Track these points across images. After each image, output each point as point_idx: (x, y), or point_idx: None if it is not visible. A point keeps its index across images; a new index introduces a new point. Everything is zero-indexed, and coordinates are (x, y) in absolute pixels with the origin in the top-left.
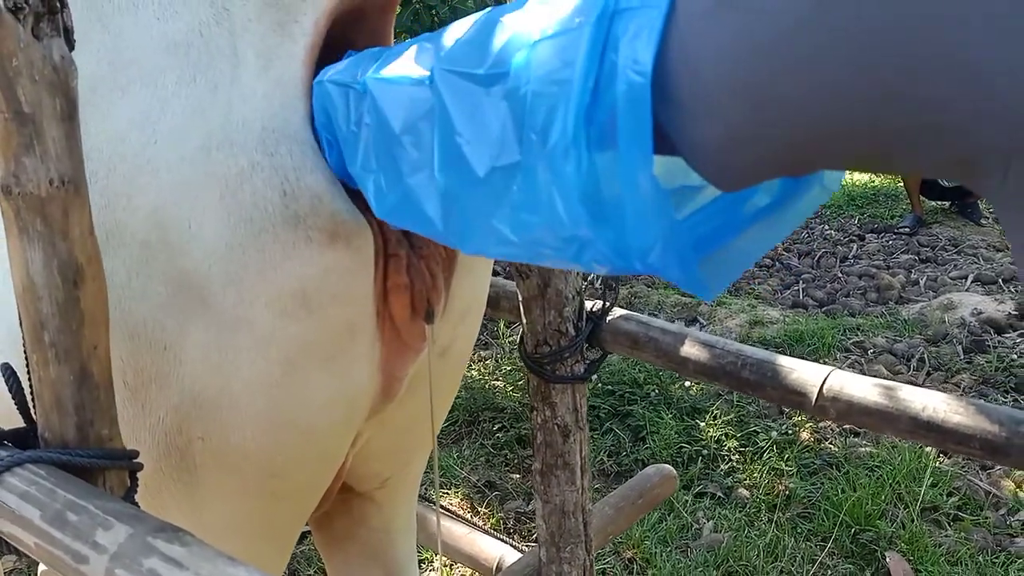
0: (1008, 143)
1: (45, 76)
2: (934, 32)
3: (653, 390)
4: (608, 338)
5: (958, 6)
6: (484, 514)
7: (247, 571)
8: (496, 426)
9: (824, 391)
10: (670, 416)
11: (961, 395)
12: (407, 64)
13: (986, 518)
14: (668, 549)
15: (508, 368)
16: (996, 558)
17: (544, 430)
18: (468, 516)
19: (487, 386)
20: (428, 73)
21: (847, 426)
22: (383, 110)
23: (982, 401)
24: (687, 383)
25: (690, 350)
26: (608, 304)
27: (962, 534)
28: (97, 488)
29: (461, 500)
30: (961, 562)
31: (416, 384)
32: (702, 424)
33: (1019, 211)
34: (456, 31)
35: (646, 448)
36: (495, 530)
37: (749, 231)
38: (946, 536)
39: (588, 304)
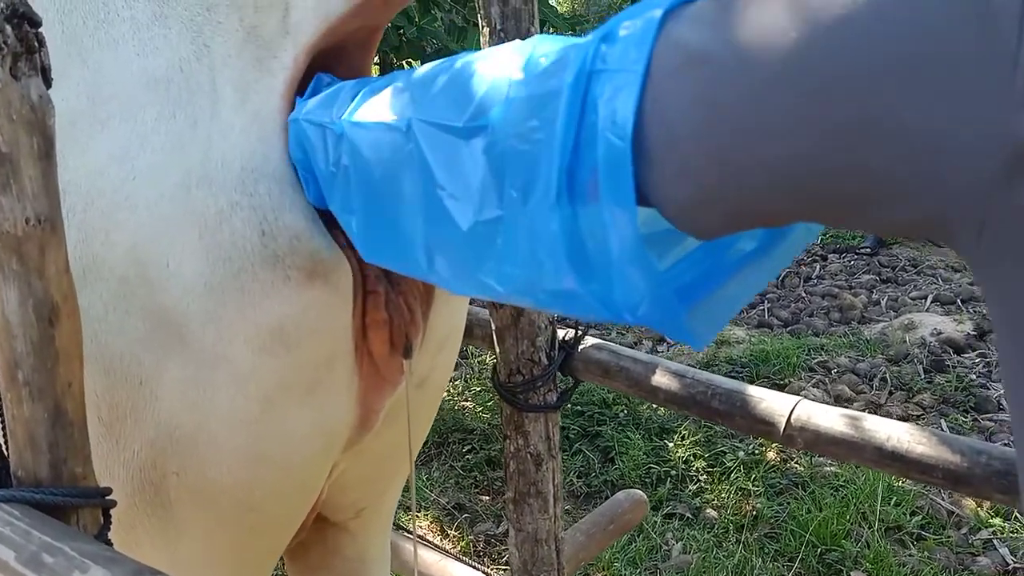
0: (978, 202)
1: (23, 115)
2: (871, 93)
3: (622, 411)
4: (580, 367)
5: (897, 67)
6: (454, 537)
7: None
8: (465, 448)
9: (792, 421)
10: (639, 437)
11: (922, 415)
12: (383, 110)
13: (948, 537)
14: (638, 571)
15: (477, 389)
16: None
17: (517, 459)
18: (438, 539)
19: (456, 407)
20: (405, 121)
21: None
22: (362, 155)
23: (945, 432)
24: (655, 403)
25: (661, 379)
26: (580, 333)
27: (925, 553)
28: (73, 529)
29: (431, 523)
30: None
31: (393, 414)
32: (670, 444)
33: (994, 266)
34: (430, 76)
35: (615, 469)
36: (465, 553)
37: (736, 276)
38: (910, 555)
39: (560, 333)
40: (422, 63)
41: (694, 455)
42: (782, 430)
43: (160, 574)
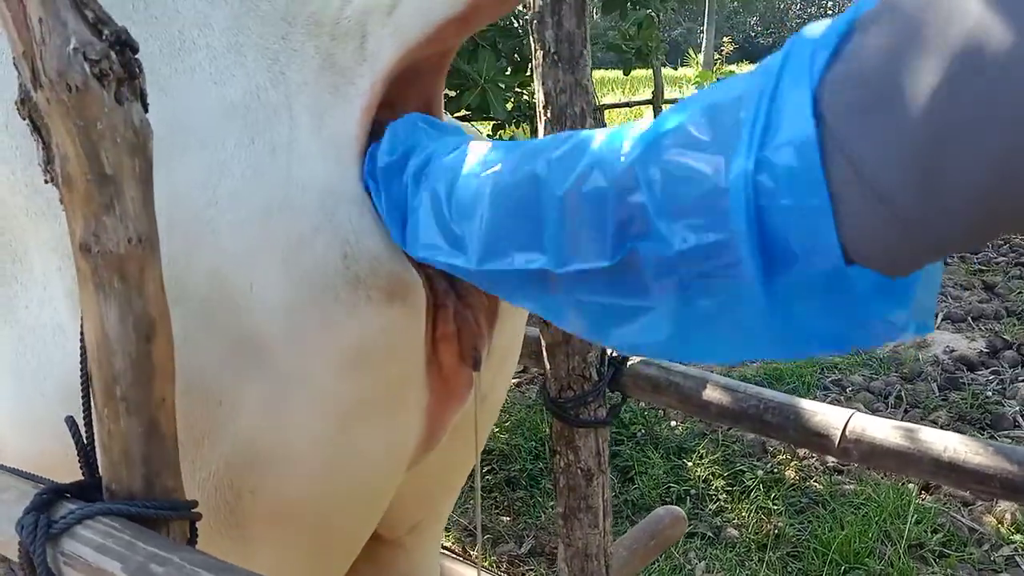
0: None
1: (126, 139)
2: None
3: (640, 430)
4: (629, 383)
5: None
6: (476, 558)
7: None
8: (485, 468)
9: (847, 433)
10: (658, 456)
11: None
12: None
13: (971, 554)
14: None
15: None
16: None
17: (567, 474)
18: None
19: None
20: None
21: (831, 464)
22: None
23: (1000, 442)
24: (672, 422)
25: (712, 394)
26: None
27: (948, 571)
28: (173, 540)
29: (452, 543)
30: None
31: (453, 430)
32: (689, 463)
33: None
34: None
35: (635, 488)
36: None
37: None
38: (933, 573)
39: (609, 349)
40: None
41: (713, 474)
42: (837, 443)
43: None
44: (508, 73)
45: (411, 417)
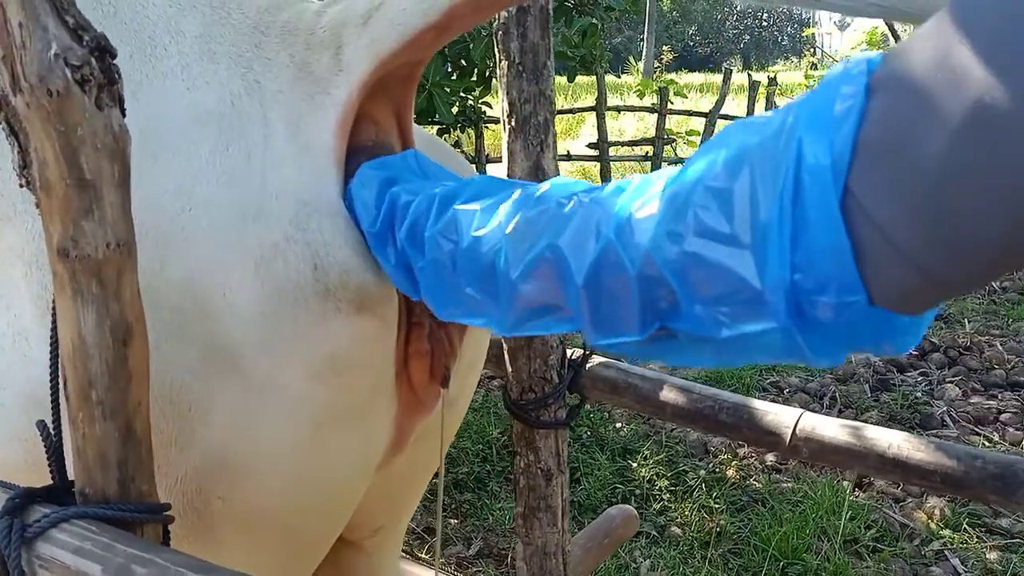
0: None
1: (106, 144)
2: None
3: (586, 432)
4: (588, 384)
5: None
6: (425, 560)
7: None
8: None
9: (797, 432)
10: (604, 457)
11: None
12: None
13: (903, 549)
14: None
15: None
16: None
17: (527, 474)
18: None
19: None
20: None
21: (770, 463)
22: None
23: (940, 439)
24: (618, 424)
25: (668, 395)
26: (588, 352)
27: (882, 565)
28: (152, 542)
29: (402, 547)
30: None
31: (419, 435)
32: (634, 464)
33: None
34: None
35: (582, 489)
36: None
37: None
38: (867, 567)
39: (568, 352)
40: None
41: (657, 474)
42: (788, 441)
43: None
44: (454, 78)
45: (381, 426)
